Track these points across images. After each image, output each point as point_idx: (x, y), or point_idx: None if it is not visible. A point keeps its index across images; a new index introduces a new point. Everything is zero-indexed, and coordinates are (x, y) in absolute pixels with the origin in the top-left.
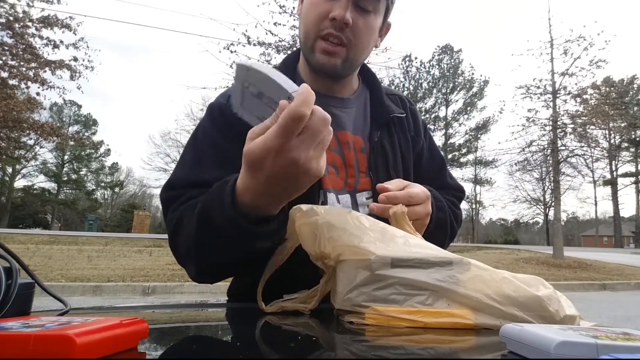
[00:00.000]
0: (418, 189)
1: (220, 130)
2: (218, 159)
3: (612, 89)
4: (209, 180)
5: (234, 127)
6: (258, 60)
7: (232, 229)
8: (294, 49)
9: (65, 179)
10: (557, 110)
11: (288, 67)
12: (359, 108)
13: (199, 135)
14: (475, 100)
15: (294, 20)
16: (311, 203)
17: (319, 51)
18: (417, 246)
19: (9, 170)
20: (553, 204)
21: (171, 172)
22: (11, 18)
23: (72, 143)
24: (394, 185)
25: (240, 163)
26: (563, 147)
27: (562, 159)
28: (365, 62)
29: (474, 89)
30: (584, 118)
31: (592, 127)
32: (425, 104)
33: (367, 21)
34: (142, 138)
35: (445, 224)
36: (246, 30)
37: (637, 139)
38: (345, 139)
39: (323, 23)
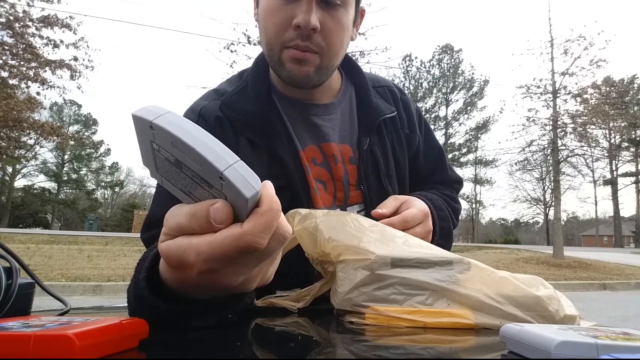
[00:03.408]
0: (415, 209)
1: None
2: None
3: (612, 88)
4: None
5: None
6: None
7: (146, 308)
8: None
9: (65, 178)
10: (557, 109)
11: (261, 75)
12: (344, 112)
13: None
14: (476, 100)
15: None
16: None
17: (287, 60)
18: (417, 246)
19: (9, 169)
20: (553, 203)
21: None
22: (11, 18)
23: (72, 143)
24: (389, 208)
25: None
26: (563, 147)
27: (562, 159)
28: (364, 63)
29: (474, 89)
30: (584, 118)
31: (592, 126)
32: (426, 103)
33: (337, 18)
34: None
35: (449, 232)
36: (246, 30)
37: (637, 138)
38: (330, 150)
39: (286, 33)
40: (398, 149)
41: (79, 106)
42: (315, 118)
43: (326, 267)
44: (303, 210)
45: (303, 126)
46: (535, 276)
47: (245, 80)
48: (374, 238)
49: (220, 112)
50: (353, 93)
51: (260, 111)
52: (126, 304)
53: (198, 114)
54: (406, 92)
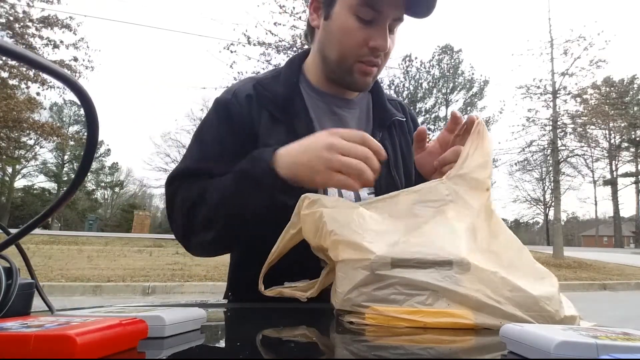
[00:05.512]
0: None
1: (223, 124)
2: (221, 154)
3: (612, 89)
4: (214, 173)
5: (235, 120)
6: (258, 60)
7: (267, 178)
8: (294, 49)
9: (65, 179)
10: (557, 110)
11: (294, 68)
12: (361, 110)
13: (205, 129)
14: (476, 100)
15: (294, 20)
16: None
17: (357, 73)
18: (418, 245)
19: (9, 170)
20: (553, 204)
21: (171, 171)
22: (11, 18)
23: (72, 143)
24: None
25: (238, 155)
26: (563, 147)
27: (562, 159)
28: None
29: (474, 89)
30: (584, 118)
31: (592, 127)
32: (425, 104)
33: (393, 40)
34: (142, 138)
35: None
36: (246, 30)
37: (637, 139)
38: None
39: (362, 49)
40: (405, 149)
41: (79, 106)
42: (337, 109)
43: (328, 253)
44: (313, 195)
45: (324, 113)
46: (549, 271)
47: (279, 71)
48: (375, 237)
49: (252, 90)
50: (370, 97)
51: (286, 93)
52: (124, 305)
53: (232, 93)
54: (406, 92)
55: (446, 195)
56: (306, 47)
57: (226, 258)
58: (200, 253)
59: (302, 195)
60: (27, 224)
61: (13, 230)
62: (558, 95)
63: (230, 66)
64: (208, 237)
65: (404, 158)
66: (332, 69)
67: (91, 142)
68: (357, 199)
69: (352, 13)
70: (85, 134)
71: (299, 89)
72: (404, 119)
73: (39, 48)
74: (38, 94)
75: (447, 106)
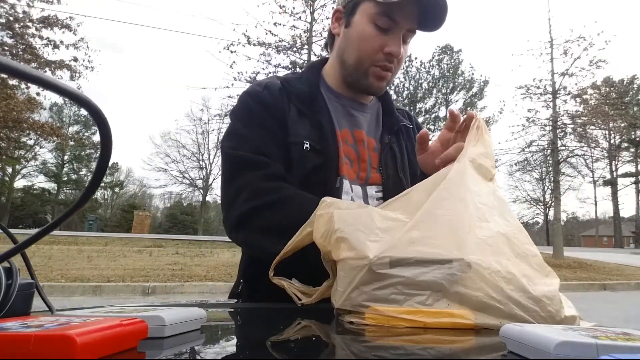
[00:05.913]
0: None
1: (262, 111)
2: (269, 137)
3: (612, 89)
4: (270, 153)
5: (271, 108)
6: (258, 61)
7: None
8: (294, 49)
9: (65, 179)
10: (557, 110)
11: (314, 72)
12: (372, 115)
13: (245, 117)
14: (475, 100)
15: (294, 20)
16: (330, 186)
17: (372, 77)
18: (420, 244)
19: (9, 170)
20: (553, 204)
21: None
22: (11, 18)
23: (72, 143)
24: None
25: (278, 137)
26: (563, 147)
27: (562, 159)
28: None
29: (474, 89)
30: (584, 118)
31: (592, 127)
32: (425, 104)
33: (406, 50)
34: (142, 138)
35: None
36: (246, 30)
37: (637, 139)
38: (360, 137)
39: (378, 55)
40: (411, 152)
41: (79, 107)
42: (353, 110)
43: (334, 269)
44: (330, 199)
45: (342, 113)
46: (552, 270)
47: (300, 74)
48: (379, 237)
49: (281, 85)
50: (380, 105)
51: (309, 92)
52: (123, 305)
53: (264, 86)
54: (405, 92)
55: (455, 179)
56: (306, 46)
57: (225, 259)
58: (242, 246)
59: (322, 199)
60: (34, 234)
61: (13, 231)
62: (558, 96)
63: (230, 66)
64: (269, 248)
65: (410, 161)
66: (349, 73)
67: (103, 162)
68: (365, 195)
69: (371, 22)
70: (85, 134)
71: (319, 89)
72: (411, 126)
73: (39, 48)
74: (38, 94)
75: (447, 106)
